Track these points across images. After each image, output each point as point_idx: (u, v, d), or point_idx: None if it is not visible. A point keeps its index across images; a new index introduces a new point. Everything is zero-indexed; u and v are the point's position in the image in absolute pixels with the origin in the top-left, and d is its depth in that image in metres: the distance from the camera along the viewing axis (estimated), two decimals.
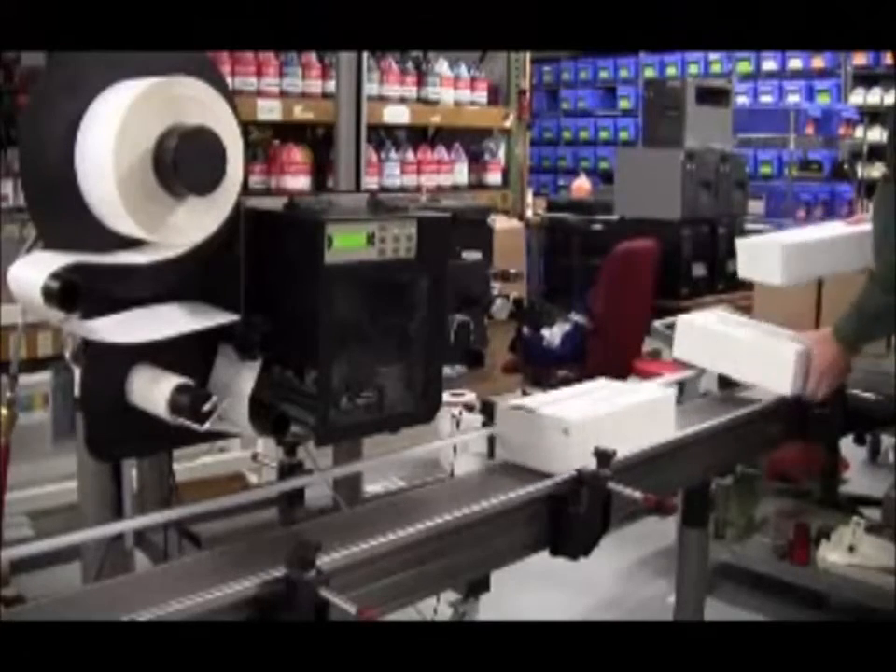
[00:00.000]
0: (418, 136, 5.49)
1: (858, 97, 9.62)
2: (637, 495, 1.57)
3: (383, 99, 4.96)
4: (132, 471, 1.89)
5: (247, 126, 4.25)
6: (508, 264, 1.79)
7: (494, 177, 5.69)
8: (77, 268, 1.15)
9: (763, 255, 2.40)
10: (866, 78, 9.64)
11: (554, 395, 1.87)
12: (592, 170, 10.75)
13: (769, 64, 9.98)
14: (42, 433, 3.29)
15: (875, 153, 9.49)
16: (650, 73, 10.78)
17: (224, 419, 1.31)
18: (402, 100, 5.10)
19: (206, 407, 1.22)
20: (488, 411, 1.92)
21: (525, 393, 4.59)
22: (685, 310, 4.26)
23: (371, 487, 1.97)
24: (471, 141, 5.63)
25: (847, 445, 3.83)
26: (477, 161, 5.63)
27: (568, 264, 6.18)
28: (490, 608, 2.58)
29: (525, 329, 4.69)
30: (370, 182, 4.57)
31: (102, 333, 1.22)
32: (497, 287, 1.73)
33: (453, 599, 2.53)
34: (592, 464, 1.58)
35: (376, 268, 1.34)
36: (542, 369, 4.62)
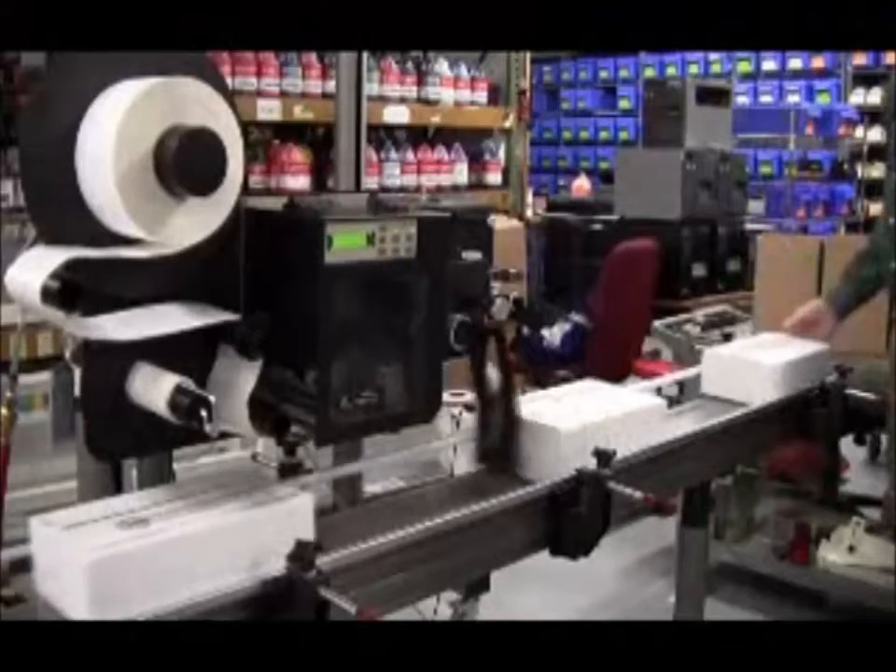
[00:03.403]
0: (418, 136, 5.49)
1: (858, 97, 9.63)
2: (637, 495, 1.57)
3: (383, 99, 4.96)
4: (132, 471, 1.89)
5: (247, 126, 4.25)
6: (508, 264, 1.79)
7: (494, 177, 5.69)
8: (77, 267, 1.15)
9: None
10: (866, 78, 9.64)
11: None
12: (592, 170, 10.76)
13: (769, 64, 9.99)
14: (42, 433, 3.29)
15: (876, 153, 9.50)
16: (650, 73, 10.78)
17: (224, 419, 1.31)
18: (402, 100, 5.10)
19: (203, 412, 1.22)
20: None
21: (524, 393, 4.60)
22: (685, 310, 4.27)
23: (370, 487, 1.97)
24: (471, 141, 5.63)
25: (847, 445, 3.82)
26: (477, 161, 5.63)
27: (568, 264, 6.17)
28: (490, 608, 2.58)
29: (525, 329, 4.69)
30: (370, 182, 4.57)
31: (101, 331, 1.22)
32: (496, 287, 1.73)
33: (453, 599, 2.53)
34: (592, 464, 1.58)
35: (376, 268, 1.34)
36: (542, 369, 4.62)
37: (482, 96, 5.58)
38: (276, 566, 1.20)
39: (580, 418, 1.70)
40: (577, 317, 4.68)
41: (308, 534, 1.25)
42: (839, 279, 2.60)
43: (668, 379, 2.32)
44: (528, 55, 5.92)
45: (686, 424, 1.99)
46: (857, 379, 2.33)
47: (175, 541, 1.16)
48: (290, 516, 1.26)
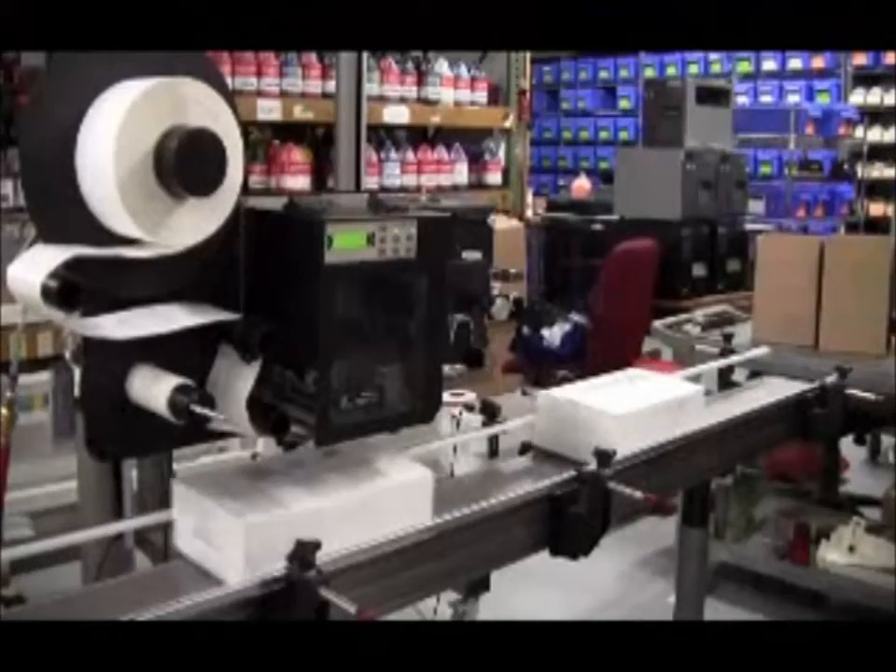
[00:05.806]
0: (418, 136, 5.49)
1: (858, 97, 9.63)
2: (638, 495, 1.56)
3: (383, 99, 4.97)
4: (132, 471, 1.89)
5: (247, 126, 4.25)
6: (508, 264, 1.79)
7: (494, 177, 5.70)
8: (77, 267, 1.15)
9: None
10: (866, 78, 9.64)
11: None
12: (592, 170, 10.76)
13: (769, 64, 9.99)
14: (42, 433, 3.29)
15: (876, 153, 9.50)
16: (650, 73, 10.78)
17: (224, 419, 1.31)
18: (402, 100, 5.11)
19: (200, 409, 1.22)
20: (488, 411, 1.92)
21: (524, 393, 4.60)
22: (685, 310, 4.26)
23: None
24: (471, 141, 5.64)
25: (847, 445, 3.83)
26: (477, 161, 5.64)
27: (568, 264, 6.18)
28: (490, 608, 2.58)
29: (525, 329, 4.69)
30: (370, 182, 4.58)
31: (101, 330, 1.22)
32: (496, 286, 1.73)
33: (453, 599, 2.53)
34: (592, 463, 1.58)
35: (376, 268, 1.34)
36: (542, 369, 4.62)
37: (482, 96, 5.59)
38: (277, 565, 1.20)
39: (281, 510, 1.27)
40: (577, 317, 4.68)
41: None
42: None
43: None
44: (528, 55, 5.93)
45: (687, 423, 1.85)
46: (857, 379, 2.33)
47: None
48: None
